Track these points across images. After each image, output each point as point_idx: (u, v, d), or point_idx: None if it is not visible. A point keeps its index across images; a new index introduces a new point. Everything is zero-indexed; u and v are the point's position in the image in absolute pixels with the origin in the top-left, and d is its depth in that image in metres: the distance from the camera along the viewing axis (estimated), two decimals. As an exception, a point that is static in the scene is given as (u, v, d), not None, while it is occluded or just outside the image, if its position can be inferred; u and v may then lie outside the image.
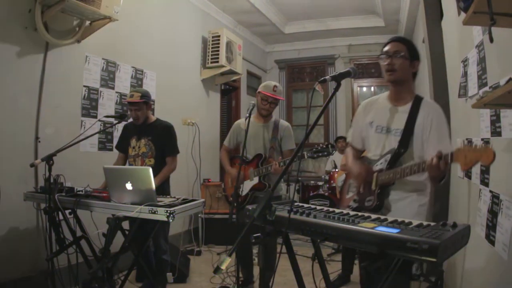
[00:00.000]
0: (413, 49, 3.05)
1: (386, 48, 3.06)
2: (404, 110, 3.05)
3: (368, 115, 3.28)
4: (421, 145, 2.93)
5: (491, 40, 2.02)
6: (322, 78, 2.43)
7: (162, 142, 4.88)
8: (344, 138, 8.58)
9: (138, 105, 4.78)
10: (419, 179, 2.90)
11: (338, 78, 2.45)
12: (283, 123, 5.15)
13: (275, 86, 4.97)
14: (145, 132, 4.91)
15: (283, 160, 4.68)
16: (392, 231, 1.89)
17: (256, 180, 4.89)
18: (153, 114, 6.20)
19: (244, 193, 4.93)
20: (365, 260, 2.98)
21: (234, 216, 4.19)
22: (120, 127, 5.82)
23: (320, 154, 4.50)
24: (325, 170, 9.05)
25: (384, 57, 3.04)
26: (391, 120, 3.10)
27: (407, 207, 2.91)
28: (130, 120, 4.98)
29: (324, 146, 4.51)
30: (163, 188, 4.76)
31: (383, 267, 2.16)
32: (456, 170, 4.51)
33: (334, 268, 5.69)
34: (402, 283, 2.64)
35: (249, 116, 4.55)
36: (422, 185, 2.96)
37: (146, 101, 4.83)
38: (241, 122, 5.26)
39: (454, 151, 2.33)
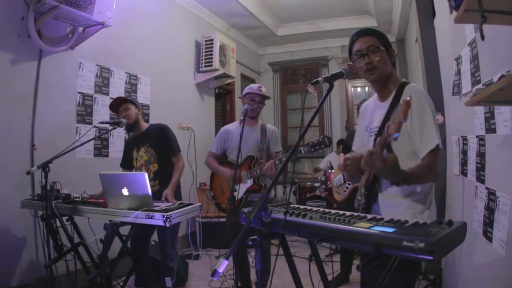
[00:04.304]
0: (384, 37, 2.75)
1: (357, 47, 2.73)
2: (385, 104, 2.72)
3: (364, 119, 3.00)
4: (408, 138, 2.52)
5: (483, 37, 2.04)
6: (315, 80, 2.39)
7: (161, 145, 4.84)
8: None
9: (126, 105, 4.78)
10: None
11: (330, 80, 2.41)
12: (270, 126, 5.11)
13: (260, 86, 4.96)
14: (142, 141, 4.88)
15: (279, 158, 4.65)
16: (388, 231, 1.89)
17: (250, 182, 4.87)
18: (148, 121, 6.24)
19: (238, 197, 4.86)
20: (366, 260, 2.91)
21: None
22: (115, 133, 5.85)
23: (317, 147, 4.38)
24: (317, 167, 9.05)
25: (357, 57, 2.73)
26: (376, 119, 2.79)
27: (400, 216, 2.32)
28: (126, 134, 5.01)
29: (320, 139, 4.39)
30: (176, 194, 4.76)
31: (380, 267, 2.15)
32: (452, 167, 4.53)
33: (333, 269, 5.69)
34: (408, 284, 2.59)
35: (244, 119, 4.56)
36: (415, 190, 2.57)
37: (133, 101, 4.83)
38: (228, 127, 5.21)
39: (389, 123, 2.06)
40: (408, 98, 1.95)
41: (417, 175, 2.36)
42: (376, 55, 2.65)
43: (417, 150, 2.49)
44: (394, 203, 2.62)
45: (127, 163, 5.07)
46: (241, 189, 4.87)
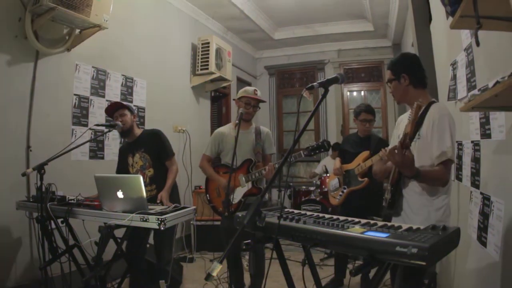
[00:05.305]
0: (395, 67, 3.21)
1: None
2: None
3: (399, 129, 3.29)
4: (429, 147, 2.91)
5: (477, 44, 2.04)
6: (310, 85, 2.44)
7: (155, 150, 4.81)
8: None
9: (122, 110, 4.76)
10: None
11: (325, 85, 2.47)
12: (264, 129, 5.11)
13: (255, 90, 4.95)
14: (137, 146, 4.85)
15: (278, 162, 4.64)
16: (381, 236, 1.89)
17: (248, 186, 4.85)
18: (143, 124, 6.23)
19: (236, 200, 4.81)
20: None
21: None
22: (110, 135, 5.83)
23: (317, 151, 4.43)
24: (313, 172, 9.04)
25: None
26: None
27: (418, 211, 2.93)
28: (121, 142, 4.99)
29: (320, 143, 4.43)
30: (173, 197, 4.75)
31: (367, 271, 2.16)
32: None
33: (327, 273, 5.70)
34: None
35: (239, 123, 4.54)
36: (433, 190, 2.90)
37: (128, 107, 4.82)
38: (222, 129, 5.16)
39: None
40: (419, 102, 2.63)
41: (428, 176, 2.83)
42: (390, 87, 3.28)
43: (433, 158, 2.87)
44: (413, 200, 2.98)
45: (122, 170, 5.00)
46: (239, 192, 4.84)
